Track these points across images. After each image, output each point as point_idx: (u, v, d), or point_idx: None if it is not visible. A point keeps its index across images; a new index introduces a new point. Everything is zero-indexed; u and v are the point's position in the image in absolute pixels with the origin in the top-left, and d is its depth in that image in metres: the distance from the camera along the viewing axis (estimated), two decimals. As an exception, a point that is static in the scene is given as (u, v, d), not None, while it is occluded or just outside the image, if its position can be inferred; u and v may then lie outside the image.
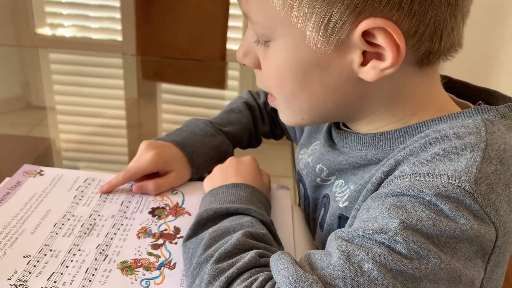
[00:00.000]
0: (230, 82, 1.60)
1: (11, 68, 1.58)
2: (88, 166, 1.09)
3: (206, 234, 0.48)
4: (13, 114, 1.35)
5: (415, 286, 0.35)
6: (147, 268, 0.51)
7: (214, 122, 0.72)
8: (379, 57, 0.41)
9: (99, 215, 0.59)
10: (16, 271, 0.49)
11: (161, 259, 0.52)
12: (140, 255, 0.53)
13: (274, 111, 0.77)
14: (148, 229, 0.57)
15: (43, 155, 0.84)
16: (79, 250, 0.53)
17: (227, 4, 1.62)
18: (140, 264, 0.51)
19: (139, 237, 0.56)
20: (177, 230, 0.58)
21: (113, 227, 0.57)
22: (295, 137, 0.74)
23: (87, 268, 0.50)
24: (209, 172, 0.64)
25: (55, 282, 0.48)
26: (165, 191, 0.65)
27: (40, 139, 1.03)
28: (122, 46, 2.30)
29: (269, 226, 0.51)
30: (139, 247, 0.54)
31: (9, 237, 0.54)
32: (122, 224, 0.58)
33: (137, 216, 0.60)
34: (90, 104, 1.36)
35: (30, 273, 0.49)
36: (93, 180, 0.66)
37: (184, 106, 1.39)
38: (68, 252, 0.52)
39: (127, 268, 0.51)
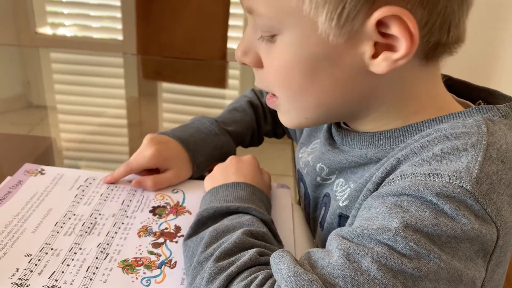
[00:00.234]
0: (230, 81, 1.60)
1: (12, 67, 1.58)
2: (89, 165, 1.09)
3: (207, 233, 0.48)
4: (14, 114, 1.35)
5: (415, 285, 0.35)
6: (148, 267, 0.51)
7: (219, 121, 0.72)
8: (390, 48, 0.41)
9: (100, 214, 0.59)
10: (17, 270, 0.49)
11: (162, 258, 0.53)
12: (141, 253, 0.53)
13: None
14: (148, 228, 0.57)
15: (44, 154, 0.84)
16: (80, 249, 0.53)
17: (227, 3, 1.62)
18: (141, 262, 0.52)
19: (140, 236, 0.56)
20: (177, 228, 0.58)
21: (114, 226, 0.57)
22: (295, 136, 0.74)
23: (88, 267, 0.50)
24: (210, 171, 0.64)
25: (56, 280, 0.48)
26: (163, 188, 0.65)
27: (41, 138, 1.03)
28: (123, 45, 2.30)
29: (269, 225, 0.51)
30: (140, 245, 0.54)
31: (10, 236, 0.54)
32: (123, 223, 0.58)
33: (137, 215, 0.60)
34: (91, 103, 1.36)
35: (31, 271, 0.49)
36: (94, 179, 0.66)
37: (185, 105, 1.39)
38: (69, 251, 0.52)
39: (128, 266, 0.51)
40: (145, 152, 0.65)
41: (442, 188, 0.37)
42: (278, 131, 0.80)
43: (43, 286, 0.47)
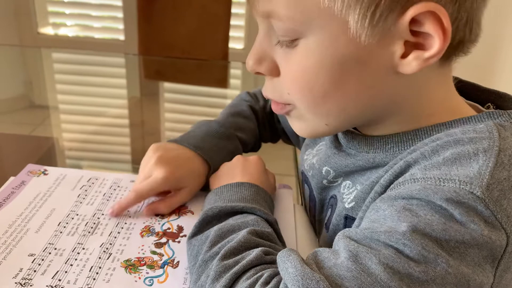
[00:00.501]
0: (232, 81, 1.60)
1: (14, 67, 1.59)
2: (92, 165, 1.09)
3: (212, 232, 0.48)
4: (16, 114, 1.36)
5: None
6: (151, 267, 0.51)
7: (227, 126, 0.69)
8: (419, 47, 0.40)
9: (102, 214, 0.59)
10: (21, 270, 0.49)
11: (165, 258, 0.53)
12: (143, 253, 0.53)
13: (272, 114, 0.76)
14: (151, 228, 0.58)
15: (47, 154, 0.85)
16: (83, 248, 0.53)
17: (229, 3, 1.62)
18: (144, 262, 0.52)
19: (142, 236, 0.56)
20: (180, 229, 0.58)
21: (116, 226, 0.57)
22: (296, 140, 0.73)
23: (91, 267, 0.50)
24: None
25: (59, 280, 0.48)
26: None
27: (44, 138, 1.03)
28: (125, 45, 2.31)
29: (274, 225, 0.51)
30: (143, 245, 0.55)
31: (14, 236, 0.54)
32: (125, 223, 0.58)
33: (140, 215, 0.60)
34: (93, 103, 1.36)
35: (35, 271, 0.49)
36: (96, 179, 0.67)
37: (187, 105, 1.39)
38: (72, 251, 0.53)
39: (131, 266, 0.51)
40: (156, 174, 0.59)
41: (452, 193, 0.36)
42: (274, 137, 0.78)
43: (47, 286, 0.47)
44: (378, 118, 0.47)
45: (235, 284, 0.41)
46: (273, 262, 0.43)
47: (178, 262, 0.52)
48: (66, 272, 0.50)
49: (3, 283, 0.47)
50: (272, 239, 0.48)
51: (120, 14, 2.30)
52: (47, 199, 0.62)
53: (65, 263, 0.51)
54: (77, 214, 0.59)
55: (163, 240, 0.56)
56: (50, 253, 0.52)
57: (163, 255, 0.53)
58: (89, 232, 0.56)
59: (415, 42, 0.40)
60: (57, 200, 0.61)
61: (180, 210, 0.62)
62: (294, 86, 0.45)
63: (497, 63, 1.38)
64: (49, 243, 0.54)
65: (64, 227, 0.57)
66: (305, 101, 0.45)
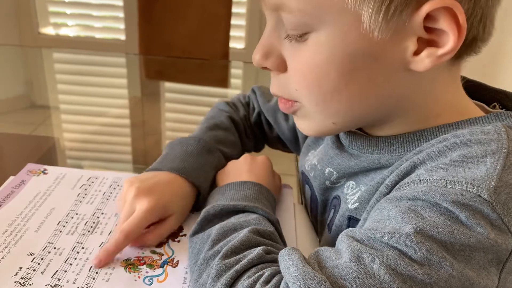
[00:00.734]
0: (233, 81, 1.60)
1: (15, 68, 1.59)
2: (92, 165, 1.09)
3: (214, 230, 0.48)
4: (17, 114, 1.36)
5: None
6: (150, 266, 0.51)
7: (205, 140, 0.64)
8: (432, 43, 0.39)
9: (102, 213, 0.59)
10: (20, 269, 0.49)
11: (164, 257, 0.53)
12: (143, 253, 0.53)
13: (258, 126, 0.73)
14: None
15: (47, 154, 0.85)
16: (83, 248, 0.53)
17: (229, 3, 1.62)
18: (143, 261, 0.52)
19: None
20: (179, 228, 0.58)
21: (116, 225, 0.57)
22: (295, 146, 0.71)
23: (91, 266, 0.50)
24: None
25: (59, 279, 0.48)
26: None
27: (44, 138, 1.03)
28: (125, 45, 2.31)
29: (275, 225, 0.51)
30: (142, 245, 0.54)
31: (13, 235, 0.54)
32: (125, 222, 0.58)
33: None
34: (93, 103, 1.37)
35: (34, 270, 0.49)
36: (96, 178, 0.66)
37: (187, 105, 1.39)
38: (72, 250, 0.52)
39: (131, 265, 0.51)
40: (140, 208, 0.53)
41: (459, 196, 0.36)
42: (259, 146, 0.75)
43: (46, 285, 0.47)
44: (385, 118, 0.46)
45: (236, 282, 0.41)
46: (275, 261, 0.43)
47: (177, 261, 0.52)
48: (65, 271, 0.49)
49: (2, 282, 0.47)
50: (273, 238, 0.48)
51: (121, 14, 2.30)
52: (46, 198, 0.61)
53: (65, 262, 0.51)
54: (77, 213, 0.59)
55: (163, 239, 0.55)
56: (49, 252, 0.52)
57: (162, 255, 0.53)
58: (88, 231, 0.56)
59: (429, 39, 0.39)
60: (57, 199, 0.61)
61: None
62: (302, 82, 0.43)
63: (502, 61, 1.37)
64: (49, 242, 0.53)
65: (64, 226, 0.56)
66: (313, 98, 0.44)
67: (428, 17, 0.38)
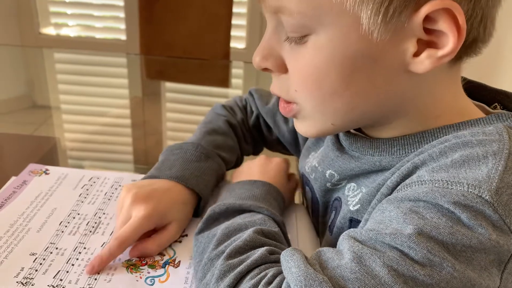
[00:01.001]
0: (234, 81, 1.60)
1: (16, 68, 1.59)
2: (93, 165, 1.09)
3: (219, 230, 0.48)
4: (18, 114, 1.36)
5: None
6: (152, 266, 0.51)
7: (203, 145, 0.63)
8: (431, 45, 0.39)
9: (104, 213, 0.59)
10: (22, 269, 0.49)
11: (166, 257, 0.53)
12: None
13: (257, 129, 0.73)
14: (152, 227, 0.57)
15: (49, 154, 0.85)
16: (85, 248, 0.53)
17: (230, 3, 1.62)
18: (145, 262, 0.52)
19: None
20: (181, 228, 0.58)
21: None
22: (295, 149, 0.70)
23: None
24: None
25: (61, 280, 0.48)
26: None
27: (45, 138, 1.03)
28: (126, 45, 2.31)
29: (280, 225, 0.51)
30: (144, 245, 0.54)
31: (15, 235, 0.54)
32: (127, 223, 0.58)
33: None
34: (94, 103, 1.37)
35: (36, 270, 0.49)
36: (98, 178, 0.66)
37: (188, 104, 1.39)
38: (74, 250, 0.53)
39: (132, 266, 0.51)
40: (136, 215, 0.52)
41: (460, 197, 0.36)
42: (258, 149, 0.75)
43: (48, 286, 0.47)
44: (385, 119, 0.46)
45: (239, 283, 0.41)
46: (278, 261, 0.42)
47: (179, 262, 0.52)
48: (67, 271, 0.49)
49: (4, 282, 0.47)
50: (278, 238, 0.47)
51: (121, 14, 2.30)
52: (48, 198, 0.62)
53: (67, 262, 0.51)
54: (79, 214, 0.59)
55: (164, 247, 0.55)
56: (51, 253, 0.52)
57: (164, 255, 0.53)
58: (90, 232, 0.56)
59: (428, 40, 0.39)
60: (59, 200, 0.61)
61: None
62: (302, 83, 0.44)
63: (502, 62, 1.37)
64: (51, 243, 0.54)
65: (66, 226, 0.56)
66: (313, 100, 0.44)
67: (428, 18, 0.38)
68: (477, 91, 0.49)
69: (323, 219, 0.57)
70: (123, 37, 2.33)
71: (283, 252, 0.41)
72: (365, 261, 0.35)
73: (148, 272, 0.50)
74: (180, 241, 0.56)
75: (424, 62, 0.40)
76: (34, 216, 0.58)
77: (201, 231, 0.51)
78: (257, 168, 0.60)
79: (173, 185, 0.57)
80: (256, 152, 0.75)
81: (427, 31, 0.39)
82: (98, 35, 2.38)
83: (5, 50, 1.79)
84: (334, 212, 0.53)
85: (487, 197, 0.36)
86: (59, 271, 0.49)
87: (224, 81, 1.57)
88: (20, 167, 0.68)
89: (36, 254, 0.52)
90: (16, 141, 0.87)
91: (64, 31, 2.40)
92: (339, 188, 0.52)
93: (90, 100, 1.38)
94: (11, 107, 1.39)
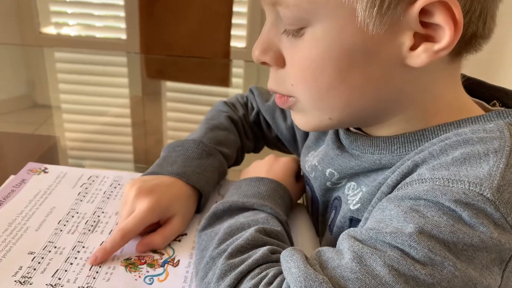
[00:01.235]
0: (234, 80, 1.60)
1: (16, 67, 1.59)
2: (93, 164, 1.09)
3: (221, 229, 0.47)
4: (19, 113, 1.36)
5: None
6: (151, 265, 0.51)
7: (205, 142, 0.64)
8: (428, 39, 0.39)
9: (103, 212, 0.59)
10: (20, 268, 0.49)
11: (165, 256, 0.53)
12: (143, 252, 0.53)
13: (257, 125, 0.73)
14: (152, 226, 0.57)
15: (48, 153, 0.85)
16: (83, 247, 0.53)
17: (230, 2, 1.62)
18: (144, 261, 0.52)
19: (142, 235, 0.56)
20: (180, 227, 0.58)
21: (117, 224, 0.57)
22: (294, 146, 0.70)
23: (91, 265, 0.50)
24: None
25: (59, 279, 0.48)
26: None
27: (45, 137, 1.03)
28: (126, 44, 2.31)
29: (284, 225, 0.50)
30: (143, 244, 0.54)
31: (14, 234, 0.54)
32: (126, 221, 0.58)
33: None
34: (95, 102, 1.37)
35: (34, 269, 0.49)
36: (97, 177, 0.66)
37: (189, 104, 1.39)
38: (72, 249, 0.52)
39: (131, 265, 0.51)
40: (140, 207, 0.54)
41: (461, 195, 0.35)
42: (259, 146, 0.75)
43: (47, 285, 0.47)
44: (383, 115, 0.46)
45: (240, 283, 0.41)
46: (279, 261, 0.42)
47: (178, 260, 0.52)
48: (66, 270, 0.49)
49: (2, 281, 0.47)
50: (280, 237, 0.47)
51: (122, 13, 2.30)
52: (47, 197, 0.61)
53: (65, 261, 0.51)
54: (77, 212, 0.59)
55: (170, 241, 0.55)
56: (50, 252, 0.52)
57: (163, 254, 0.53)
58: (89, 231, 0.56)
59: (425, 34, 0.39)
60: (57, 198, 0.61)
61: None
62: (299, 76, 0.43)
63: (502, 59, 1.37)
64: (49, 242, 0.53)
65: (64, 225, 0.56)
66: (309, 93, 0.44)
67: (424, 11, 0.38)
68: (476, 88, 0.49)
69: (323, 219, 0.57)
70: (123, 36, 2.33)
71: (283, 252, 0.40)
72: (366, 261, 0.35)
73: (147, 271, 0.50)
74: (179, 240, 0.55)
75: (420, 56, 0.39)
76: (33, 215, 0.58)
77: (204, 228, 0.51)
78: (266, 166, 0.60)
79: (174, 181, 0.58)
80: (257, 148, 0.75)
81: (423, 24, 0.39)
82: (99, 34, 2.38)
83: (6, 50, 1.79)
84: (334, 211, 0.53)
85: (488, 195, 0.35)
86: (58, 270, 0.49)
87: (224, 80, 1.57)
88: (20, 166, 0.68)
89: (35, 253, 0.51)
90: (16, 139, 0.87)
91: (65, 30, 2.40)
92: (339, 187, 0.52)
93: (91, 99, 1.38)
94: (12, 106, 1.39)
